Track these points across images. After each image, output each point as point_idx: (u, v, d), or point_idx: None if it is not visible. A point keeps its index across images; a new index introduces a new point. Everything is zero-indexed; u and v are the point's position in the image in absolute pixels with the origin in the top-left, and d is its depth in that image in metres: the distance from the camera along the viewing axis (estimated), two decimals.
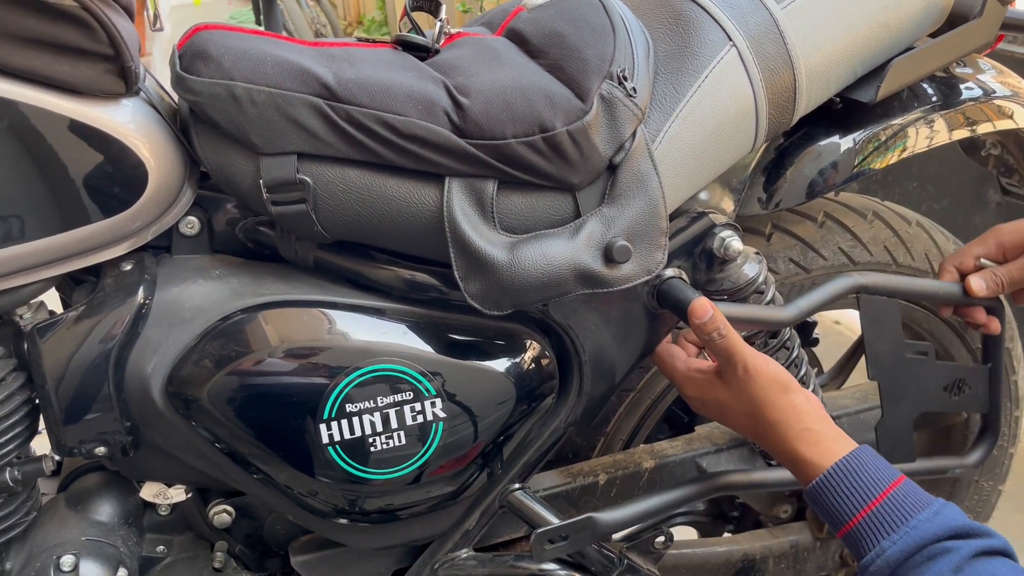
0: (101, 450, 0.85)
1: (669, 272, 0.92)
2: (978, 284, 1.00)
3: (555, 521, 0.95)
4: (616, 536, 1.02)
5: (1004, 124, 1.10)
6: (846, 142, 1.01)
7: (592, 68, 0.83)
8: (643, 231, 0.84)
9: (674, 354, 0.93)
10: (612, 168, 0.84)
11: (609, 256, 0.83)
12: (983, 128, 1.08)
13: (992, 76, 1.12)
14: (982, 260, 1.02)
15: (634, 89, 0.83)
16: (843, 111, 1.02)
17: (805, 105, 0.93)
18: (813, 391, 1.04)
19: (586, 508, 1.05)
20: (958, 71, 1.11)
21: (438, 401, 0.87)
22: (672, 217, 0.93)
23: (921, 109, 1.04)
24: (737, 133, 0.89)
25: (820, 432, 0.82)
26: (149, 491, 0.95)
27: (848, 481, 0.78)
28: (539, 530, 0.93)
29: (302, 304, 0.86)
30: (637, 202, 0.84)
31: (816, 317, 1.43)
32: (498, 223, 0.84)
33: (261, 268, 0.91)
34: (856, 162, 1.00)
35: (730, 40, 0.88)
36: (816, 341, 1.45)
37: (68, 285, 0.89)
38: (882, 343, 1.04)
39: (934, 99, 1.05)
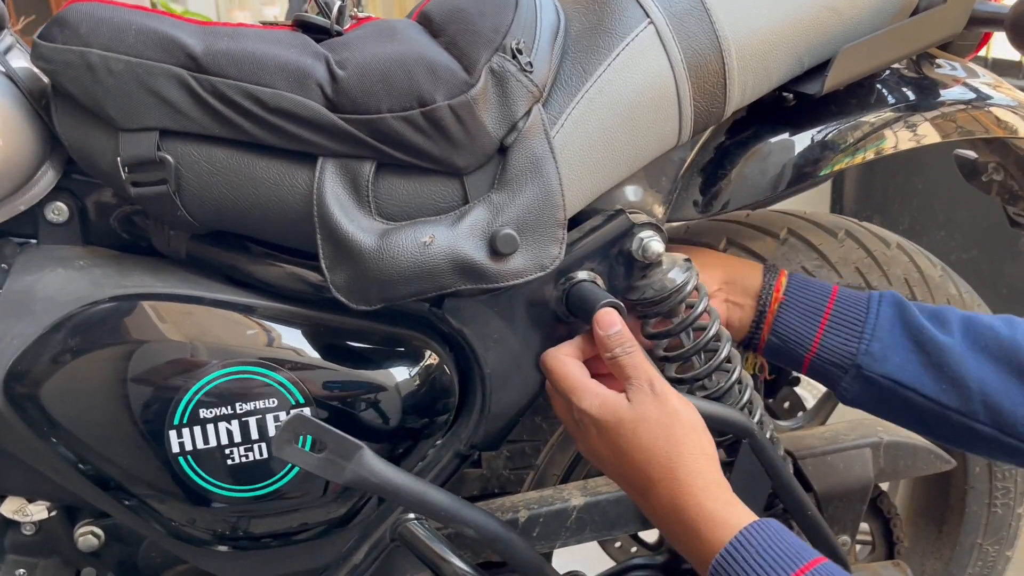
0: None
1: (581, 275, 0.81)
2: None
3: (455, 560, 0.83)
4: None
5: (1000, 133, 0.98)
6: (800, 140, 0.90)
7: (483, 40, 0.74)
8: (535, 221, 0.74)
9: (568, 360, 0.79)
10: (504, 151, 0.75)
11: (494, 247, 0.73)
12: (975, 131, 0.96)
13: (984, 82, 1.01)
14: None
15: (530, 64, 0.74)
16: (796, 109, 0.92)
17: (740, 93, 0.82)
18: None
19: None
20: (945, 72, 0.99)
21: (307, 411, 0.77)
22: (586, 215, 0.83)
23: (895, 108, 0.92)
24: (656, 120, 0.80)
25: (727, 490, 0.71)
26: (9, 506, 0.87)
27: (766, 551, 0.65)
28: (298, 414, 0.76)
29: (162, 297, 0.78)
30: (530, 189, 0.74)
31: None
32: (375, 209, 0.75)
33: (131, 260, 0.83)
34: (815, 162, 0.89)
35: (647, 16, 0.79)
36: (797, 380, 1.33)
37: None
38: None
39: (912, 99, 0.94)
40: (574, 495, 0.96)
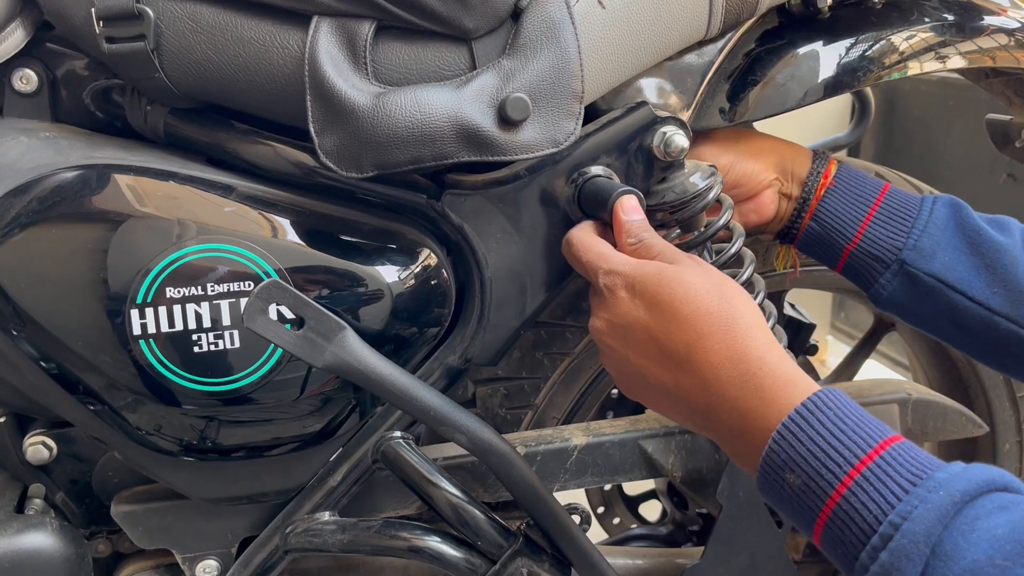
0: None
1: (596, 169, 0.74)
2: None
3: (444, 484, 0.75)
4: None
5: None
6: (834, 50, 0.83)
7: None
8: (550, 91, 0.67)
9: (594, 233, 0.69)
10: (518, 16, 0.68)
11: (503, 114, 0.66)
12: (1009, 64, 0.90)
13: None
14: None
15: None
16: (831, 20, 0.85)
17: None
18: None
19: (495, 487, 0.84)
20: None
21: None
22: (604, 109, 0.76)
23: (935, 28, 0.86)
24: (684, 2, 0.73)
25: (790, 356, 0.59)
26: None
27: (842, 419, 0.53)
28: (275, 280, 0.67)
29: (134, 171, 0.70)
30: (545, 55, 0.67)
31: (815, 320, 1.23)
32: (372, 73, 0.68)
33: (103, 137, 0.76)
34: (851, 72, 0.82)
35: None
36: (815, 349, 1.25)
37: None
38: None
39: (953, 20, 0.88)
40: (576, 435, 0.88)
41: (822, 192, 0.79)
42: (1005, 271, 0.72)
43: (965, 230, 0.74)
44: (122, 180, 0.70)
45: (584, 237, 0.68)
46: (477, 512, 0.74)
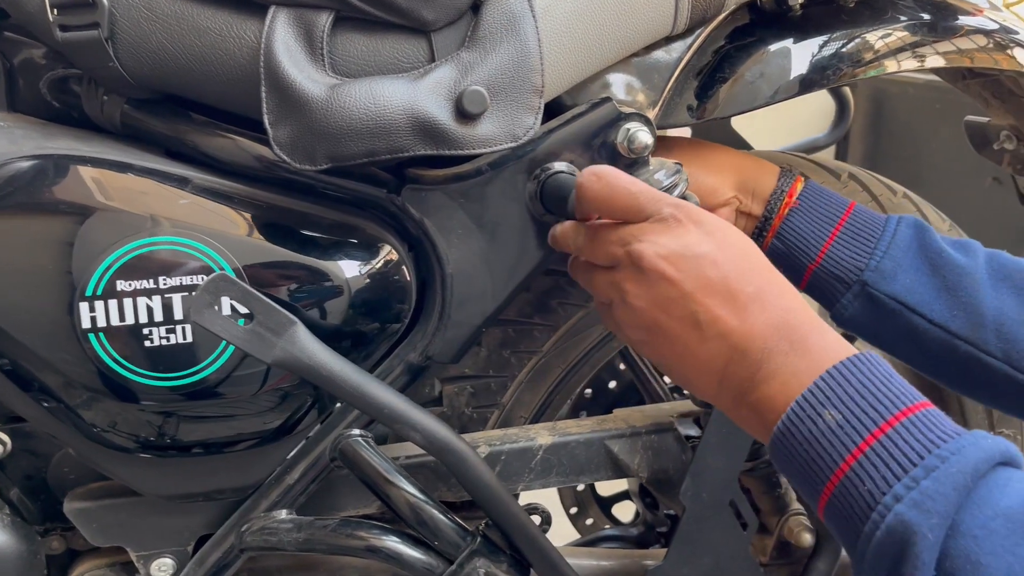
0: None
1: (559, 166, 0.73)
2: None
3: (402, 483, 0.74)
4: None
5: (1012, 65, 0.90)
6: (805, 48, 0.82)
7: None
8: (509, 84, 0.66)
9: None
10: (477, 8, 0.67)
11: (460, 107, 0.65)
12: (987, 63, 0.89)
13: (1008, 17, 0.94)
14: None
15: None
16: (803, 18, 0.84)
17: None
18: None
19: (458, 486, 0.83)
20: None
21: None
22: (569, 105, 0.75)
23: (909, 27, 0.85)
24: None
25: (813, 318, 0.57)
26: None
27: (858, 387, 0.51)
28: (222, 273, 0.65)
29: (88, 161, 0.69)
30: (505, 48, 0.66)
31: None
32: (329, 65, 0.67)
33: (58, 127, 0.75)
34: (821, 71, 0.82)
35: None
36: None
37: None
38: (720, 458, 0.83)
39: (928, 19, 0.87)
40: (541, 434, 0.87)
41: (785, 211, 0.78)
42: (966, 293, 0.72)
43: (927, 252, 0.73)
44: (76, 171, 0.69)
45: (618, 171, 0.64)
46: (435, 511, 0.73)
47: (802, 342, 0.54)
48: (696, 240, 0.59)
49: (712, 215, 0.61)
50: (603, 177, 0.63)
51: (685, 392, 0.93)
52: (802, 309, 0.57)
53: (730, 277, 0.57)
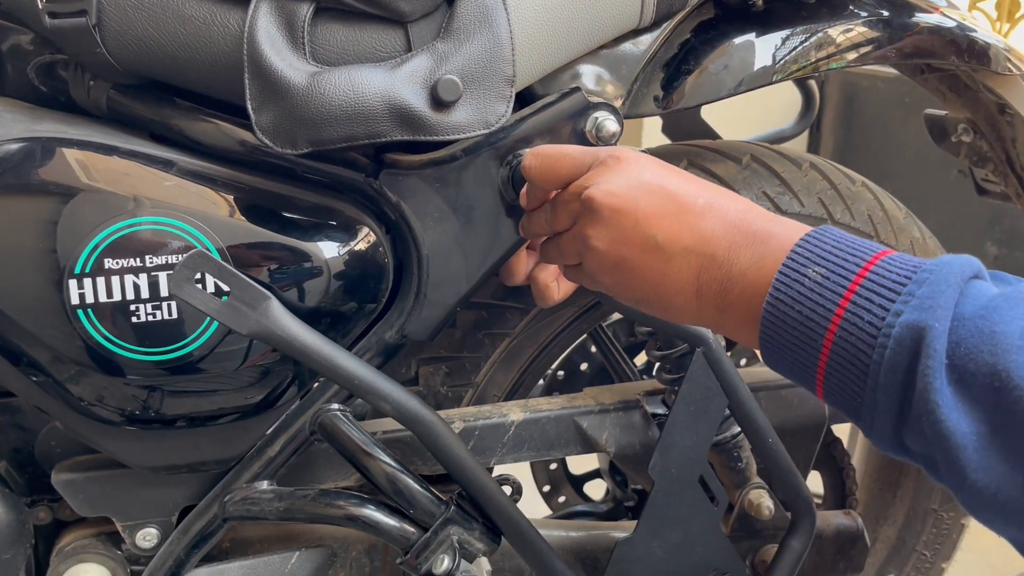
0: None
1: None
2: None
3: (380, 455, 0.77)
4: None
5: (969, 64, 0.94)
6: (767, 42, 0.86)
7: None
8: (482, 74, 0.69)
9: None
10: (452, 1, 0.70)
11: (435, 95, 0.68)
12: (944, 58, 0.93)
13: (964, 16, 0.98)
14: None
15: None
16: (765, 14, 0.88)
17: None
18: None
19: (432, 462, 0.87)
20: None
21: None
22: (539, 95, 0.78)
23: (866, 22, 0.89)
24: None
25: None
26: None
27: (843, 239, 0.54)
28: (200, 251, 0.68)
29: (75, 144, 0.71)
30: (478, 39, 0.69)
31: None
32: (309, 53, 0.70)
33: (46, 111, 0.77)
34: (781, 63, 0.85)
35: None
36: None
37: None
38: (688, 435, 0.86)
39: (886, 15, 0.91)
40: (514, 411, 0.91)
41: None
42: None
43: None
44: (63, 153, 0.71)
45: (551, 144, 0.70)
46: (411, 482, 0.76)
47: (764, 231, 0.57)
48: (637, 170, 0.62)
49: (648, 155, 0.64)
50: (539, 154, 0.68)
51: (654, 373, 0.97)
52: (756, 208, 0.59)
53: (679, 194, 0.60)
